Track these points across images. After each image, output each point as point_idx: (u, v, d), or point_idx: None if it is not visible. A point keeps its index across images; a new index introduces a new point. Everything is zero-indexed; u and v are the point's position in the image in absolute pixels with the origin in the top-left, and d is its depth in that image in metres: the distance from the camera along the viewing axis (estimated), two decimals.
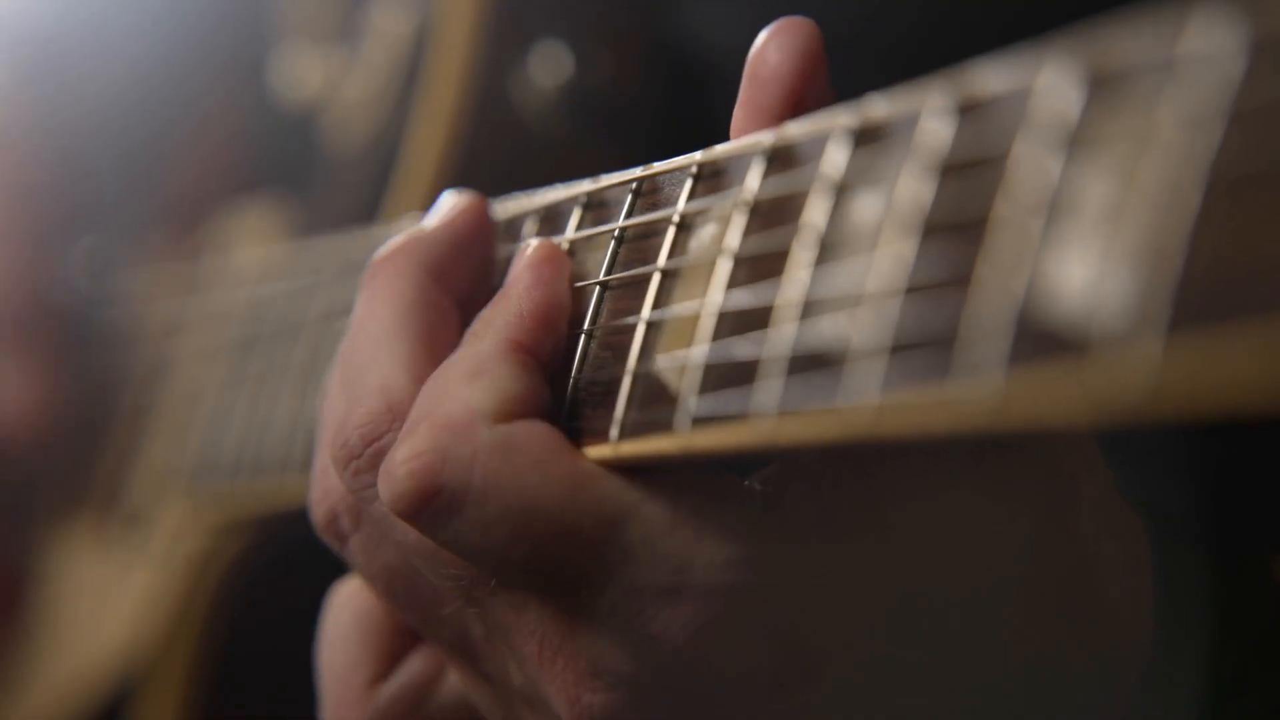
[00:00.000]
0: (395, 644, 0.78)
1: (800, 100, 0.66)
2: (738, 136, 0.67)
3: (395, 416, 0.69)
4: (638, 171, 0.71)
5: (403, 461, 0.65)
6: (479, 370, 0.67)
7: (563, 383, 0.69)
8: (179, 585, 1.16)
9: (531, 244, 0.72)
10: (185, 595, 1.16)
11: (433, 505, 0.65)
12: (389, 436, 0.69)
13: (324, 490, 0.74)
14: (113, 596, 1.23)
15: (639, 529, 0.64)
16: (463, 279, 0.76)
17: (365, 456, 0.70)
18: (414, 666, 0.77)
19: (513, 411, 0.66)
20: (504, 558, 0.65)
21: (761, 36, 0.68)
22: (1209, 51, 0.45)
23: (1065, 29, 0.51)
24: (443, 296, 0.74)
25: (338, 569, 0.82)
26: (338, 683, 0.78)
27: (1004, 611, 0.65)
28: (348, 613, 0.79)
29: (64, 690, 1.25)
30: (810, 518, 0.63)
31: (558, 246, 0.72)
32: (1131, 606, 0.67)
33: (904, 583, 0.63)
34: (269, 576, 1.15)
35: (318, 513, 0.75)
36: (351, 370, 0.73)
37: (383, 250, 0.76)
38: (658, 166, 0.70)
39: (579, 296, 0.71)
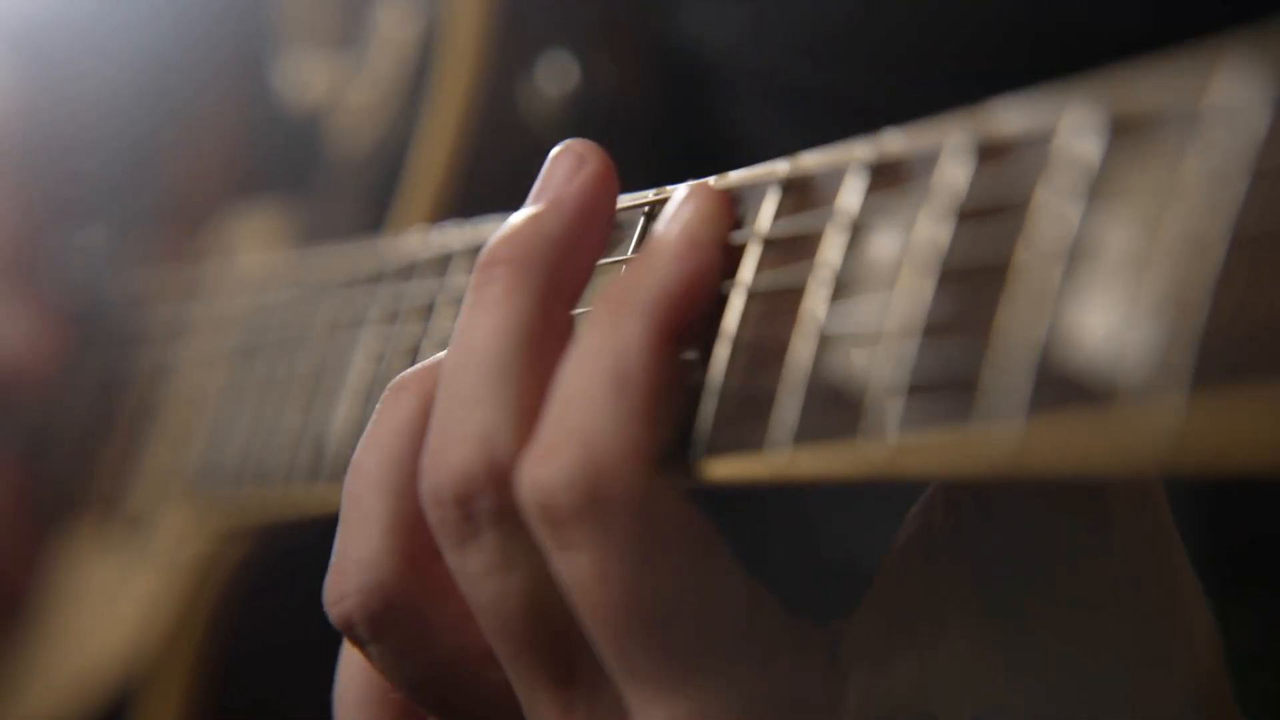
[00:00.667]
0: (412, 710, 0.73)
1: None
2: None
3: (493, 480, 0.63)
4: (650, 195, 0.70)
5: (540, 486, 0.60)
6: (624, 375, 0.60)
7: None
8: (181, 590, 1.16)
9: (687, 189, 0.65)
10: (187, 600, 1.16)
11: (558, 534, 0.61)
12: (482, 502, 0.64)
13: (341, 591, 0.68)
14: (114, 600, 1.23)
15: (726, 665, 0.60)
16: (583, 280, 0.68)
17: (452, 514, 0.65)
18: None
19: (660, 445, 0.61)
20: (598, 616, 0.61)
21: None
22: (1235, 104, 0.45)
23: (1059, 37, 0.51)
24: (565, 314, 0.67)
25: None
26: (351, 716, 0.74)
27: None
28: (363, 674, 0.74)
29: (65, 694, 1.25)
30: (883, 709, 0.62)
31: (720, 194, 0.64)
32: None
33: None
34: (272, 582, 1.16)
35: (333, 612, 0.69)
36: (453, 399, 0.65)
37: (502, 246, 0.66)
38: (669, 191, 0.69)
39: None
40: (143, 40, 1.34)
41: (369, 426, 0.70)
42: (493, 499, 0.63)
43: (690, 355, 0.63)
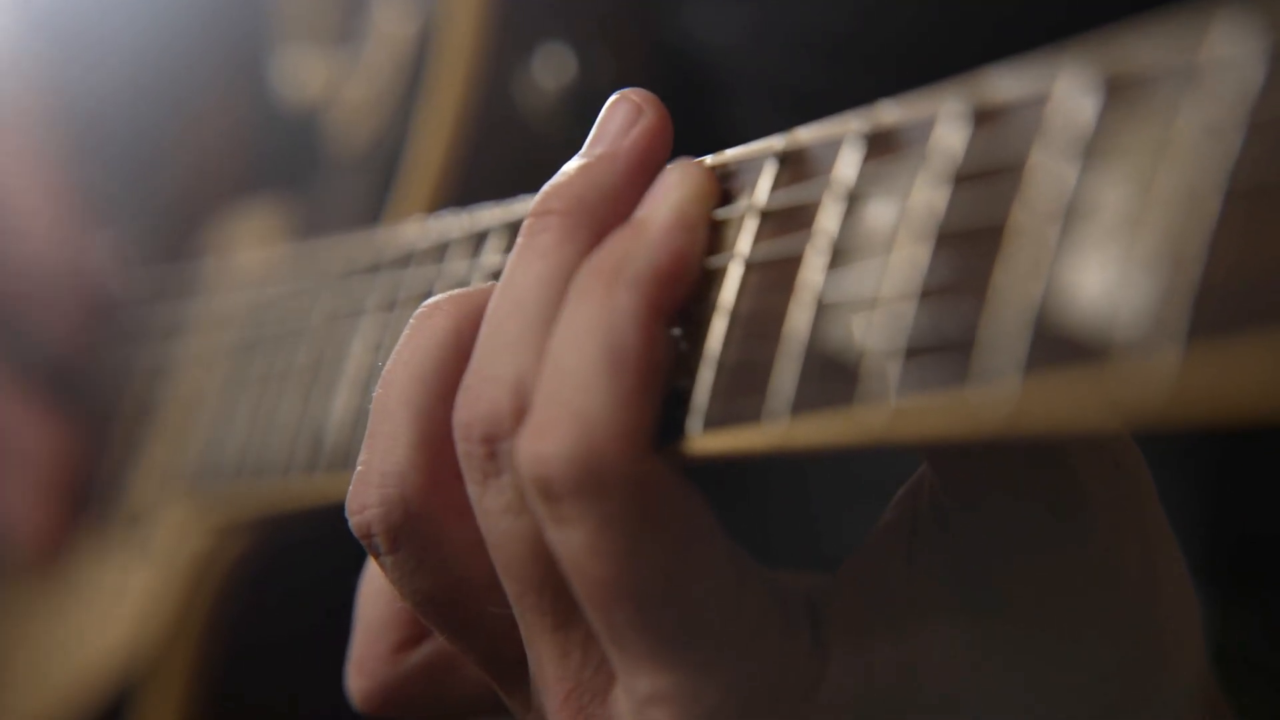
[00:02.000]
0: (410, 629, 0.76)
1: None
2: None
3: (518, 415, 0.64)
4: None
5: (538, 459, 0.62)
6: (618, 353, 0.61)
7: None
8: (181, 586, 1.16)
9: (678, 167, 0.66)
10: (187, 596, 1.16)
11: (550, 505, 0.62)
12: (505, 444, 0.65)
13: (363, 501, 0.70)
14: (114, 597, 1.23)
15: (708, 650, 0.62)
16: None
17: (478, 450, 0.66)
18: (443, 641, 0.75)
19: (653, 423, 0.62)
20: (589, 588, 0.63)
21: None
22: (1228, 59, 0.45)
23: (1063, 32, 0.52)
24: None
25: (340, 571, 0.82)
26: (368, 637, 0.76)
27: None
28: (379, 585, 0.76)
29: (65, 691, 1.25)
30: (861, 690, 0.63)
31: (710, 172, 0.65)
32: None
33: None
34: (271, 578, 1.16)
35: (354, 520, 0.71)
36: (495, 342, 0.66)
37: (555, 196, 0.67)
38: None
39: None
40: (141, 37, 1.34)
41: (401, 341, 0.71)
42: (513, 445, 0.64)
43: (678, 331, 0.63)
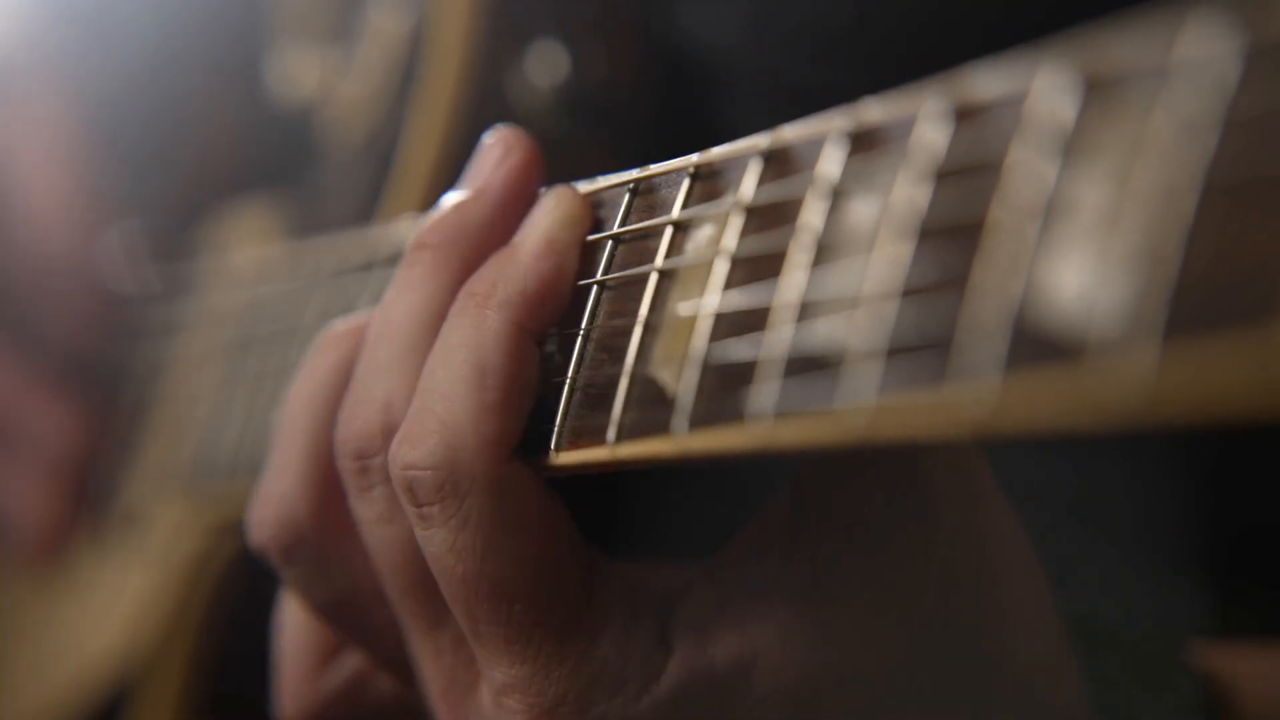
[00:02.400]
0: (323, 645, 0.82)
1: None
2: None
3: (388, 442, 0.70)
4: (634, 173, 0.71)
5: (409, 466, 0.67)
6: (483, 368, 0.67)
7: (559, 383, 0.69)
8: (176, 585, 1.16)
9: (551, 195, 0.71)
10: (182, 595, 1.16)
11: (421, 509, 0.68)
12: (376, 460, 0.71)
13: (259, 519, 0.78)
14: (110, 597, 1.23)
15: (552, 646, 0.67)
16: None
17: (352, 466, 0.72)
18: (358, 656, 0.81)
19: (515, 433, 0.68)
20: (449, 584, 0.68)
21: None
22: (1205, 57, 0.45)
23: (1055, 30, 0.52)
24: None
25: None
26: (288, 660, 0.82)
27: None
28: (299, 609, 0.82)
29: (61, 690, 1.25)
30: (698, 687, 0.66)
31: (581, 199, 0.71)
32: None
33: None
34: (266, 576, 1.15)
35: (253, 538, 0.78)
36: (369, 369, 0.73)
37: (429, 232, 0.73)
38: (654, 168, 0.70)
39: (576, 296, 0.70)
40: (138, 39, 1.34)
41: (301, 369, 0.79)
42: (384, 460, 0.70)
43: (551, 348, 0.69)
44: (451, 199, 0.73)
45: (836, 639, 0.66)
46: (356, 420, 0.72)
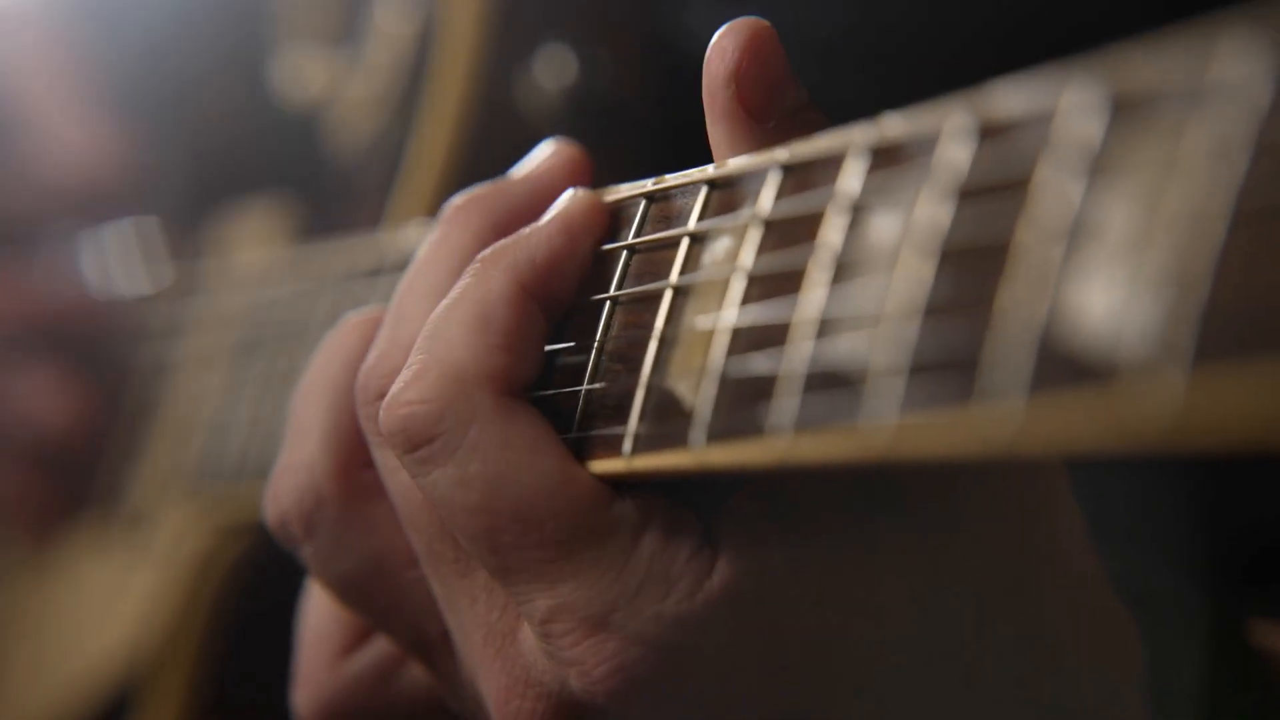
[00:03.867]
0: (348, 637, 0.80)
1: (747, 99, 0.67)
2: (715, 140, 0.68)
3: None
4: (650, 183, 0.70)
5: (406, 403, 0.67)
6: (486, 316, 0.67)
7: (574, 393, 0.69)
8: (182, 586, 1.16)
9: (573, 193, 0.72)
10: (188, 596, 1.16)
11: (422, 450, 0.67)
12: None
13: (277, 492, 0.76)
14: (115, 597, 1.23)
15: (591, 549, 0.65)
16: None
17: (373, 408, 0.71)
18: (384, 643, 0.79)
19: (518, 378, 0.67)
20: (466, 521, 0.66)
21: (713, 40, 0.68)
22: (1237, 79, 0.45)
23: (1062, 40, 0.51)
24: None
25: None
26: (310, 647, 0.81)
27: (945, 699, 0.65)
28: (321, 604, 0.81)
29: (67, 691, 1.25)
30: (745, 595, 0.64)
31: (600, 202, 0.72)
32: (1120, 702, 0.68)
33: (839, 663, 0.65)
34: (271, 577, 1.15)
35: (271, 512, 0.77)
36: (400, 311, 0.73)
37: (463, 196, 0.75)
38: (670, 179, 0.69)
39: (592, 307, 0.70)
40: (146, 41, 1.34)
41: (316, 357, 0.78)
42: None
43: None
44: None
45: (889, 551, 0.64)
46: (383, 362, 0.71)
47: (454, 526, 0.67)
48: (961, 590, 0.65)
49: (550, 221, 0.70)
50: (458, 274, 0.71)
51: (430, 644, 0.74)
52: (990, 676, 0.66)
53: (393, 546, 0.74)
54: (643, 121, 1.06)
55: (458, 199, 0.75)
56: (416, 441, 0.66)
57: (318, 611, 0.81)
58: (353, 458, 0.75)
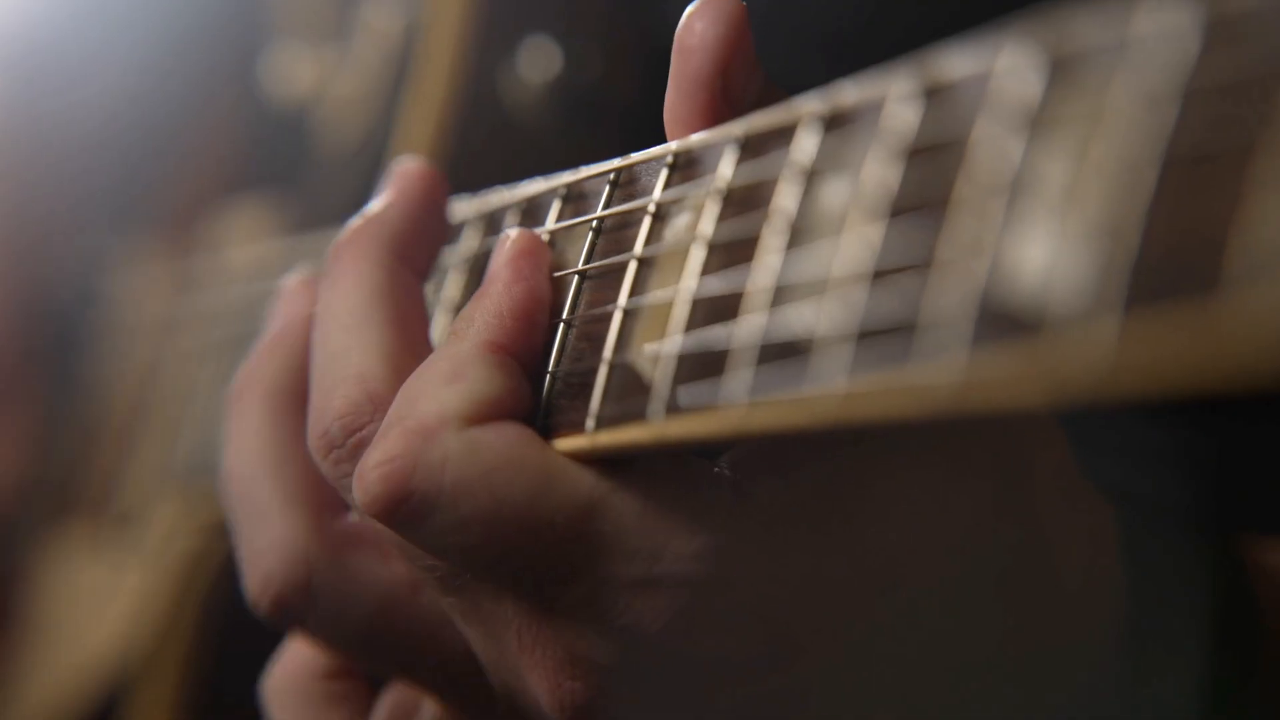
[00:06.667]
0: (354, 707, 0.77)
1: (728, 68, 0.66)
2: (672, 114, 0.67)
3: (376, 406, 0.69)
4: (615, 162, 0.71)
5: (374, 466, 0.65)
6: (457, 373, 0.66)
7: (541, 376, 0.69)
8: (172, 584, 1.16)
9: (510, 235, 0.71)
10: (178, 594, 1.16)
11: (404, 509, 0.65)
12: (370, 427, 0.69)
13: (261, 579, 0.72)
14: (106, 596, 1.23)
15: (609, 522, 0.64)
16: (426, 253, 0.76)
17: (347, 447, 0.69)
18: (382, 716, 0.76)
19: (486, 413, 0.66)
20: (478, 557, 0.65)
21: (687, 12, 0.67)
22: (1164, 31, 0.45)
23: (1025, 11, 0.51)
24: (409, 275, 0.74)
25: None
26: None
27: (966, 589, 0.65)
28: (291, 699, 0.77)
29: (58, 690, 1.25)
30: (778, 506, 0.63)
31: (536, 236, 0.71)
32: (1095, 586, 0.68)
33: (872, 565, 0.64)
34: None
35: (263, 601, 0.73)
36: (325, 359, 0.71)
37: (344, 233, 0.75)
38: (634, 157, 0.70)
39: (558, 287, 0.70)
40: (132, 37, 1.34)
41: (227, 442, 0.77)
42: (378, 423, 0.68)
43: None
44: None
45: (916, 466, 0.64)
46: (335, 404, 0.70)
47: (472, 568, 0.66)
48: (971, 488, 0.65)
49: (501, 276, 0.69)
50: (372, 298, 0.71)
51: (455, 671, 0.72)
52: (994, 573, 0.65)
53: (395, 579, 0.72)
54: (627, 114, 1.06)
55: (337, 241, 0.75)
56: (396, 503, 0.64)
57: (287, 675, 0.78)
58: (323, 512, 0.74)
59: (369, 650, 0.73)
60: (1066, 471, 0.67)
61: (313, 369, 0.72)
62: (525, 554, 0.64)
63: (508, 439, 0.65)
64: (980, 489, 0.65)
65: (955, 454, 0.64)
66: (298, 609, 0.72)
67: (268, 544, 0.73)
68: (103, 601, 1.23)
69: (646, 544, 0.63)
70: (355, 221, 0.75)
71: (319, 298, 0.74)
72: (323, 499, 0.73)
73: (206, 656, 1.16)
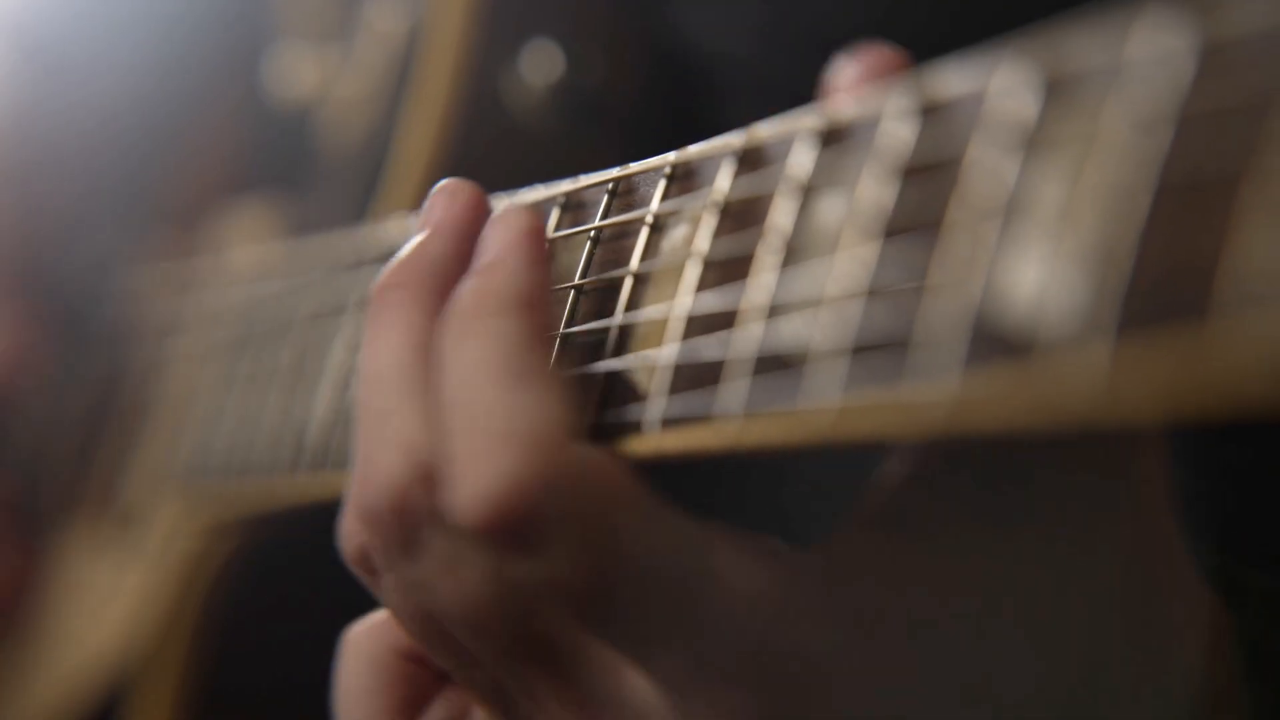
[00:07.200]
0: (415, 693, 0.74)
1: None
2: None
3: (422, 480, 0.64)
4: (614, 172, 0.71)
5: (487, 489, 0.60)
6: (524, 370, 0.62)
7: None
8: (173, 585, 1.16)
9: (498, 212, 0.68)
10: (179, 595, 1.16)
11: (522, 533, 0.60)
12: (418, 503, 0.64)
13: (388, 474, 0.65)
14: (107, 597, 1.23)
15: (724, 600, 0.60)
16: None
17: (390, 523, 0.65)
18: (436, 716, 0.73)
19: (574, 414, 0.62)
20: (583, 595, 0.61)
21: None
22: (1159, 55, 0.45)
23: (1025, 30, 0.51)
24: None
25: (330, 571, 0.81)
26: None
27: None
28: (363, 663, 0.74)
29: (59, 690, 1.26)
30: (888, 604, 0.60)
31: (526, 207, 0.68)
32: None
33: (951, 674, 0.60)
34: (262, 576, 1.15)
35: (347, 547, 0.70)
36: (370, 418, 0.66)
37: (393, 273, 0.69)
38: (633, 167, 0.70)
39: (558, 299, 0.70)
40: (135, 37, 1.34)
41: (365, 341, 0.69)
42: (425, 500, 0.63)
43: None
44: (407, 244, 0.71)
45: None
46: (380, 474, 0.64)
47: (561, 608, 0.62)
48: (1078, 582, 0.61)
49: (506, 247, 0.66)
50: (420, 354, 0.65)
51: (509, 693, 0.69)
52: (1110, 672, 0.62)
53: None
54: (630, 117, 1.06)
55: (386, 276, 0.69)
56: (505, 531, 0.60)
57: (360, 699, 0.74)
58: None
59: (420, 640, 0.69)
60: (1188, 570, 0.64)
61: (361, 431, 0.67)
62: (630, 601, 0.61)
63: (622, 466, 0.62)
64: (1085, 590, 0.61)
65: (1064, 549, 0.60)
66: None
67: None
68: (103, 602, 1.23)
69: (755, 630, 0.60)
70: (405, 257, 0.70)
71: (365, 342, 0.68)
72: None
73: (206, 656, 1.16)
